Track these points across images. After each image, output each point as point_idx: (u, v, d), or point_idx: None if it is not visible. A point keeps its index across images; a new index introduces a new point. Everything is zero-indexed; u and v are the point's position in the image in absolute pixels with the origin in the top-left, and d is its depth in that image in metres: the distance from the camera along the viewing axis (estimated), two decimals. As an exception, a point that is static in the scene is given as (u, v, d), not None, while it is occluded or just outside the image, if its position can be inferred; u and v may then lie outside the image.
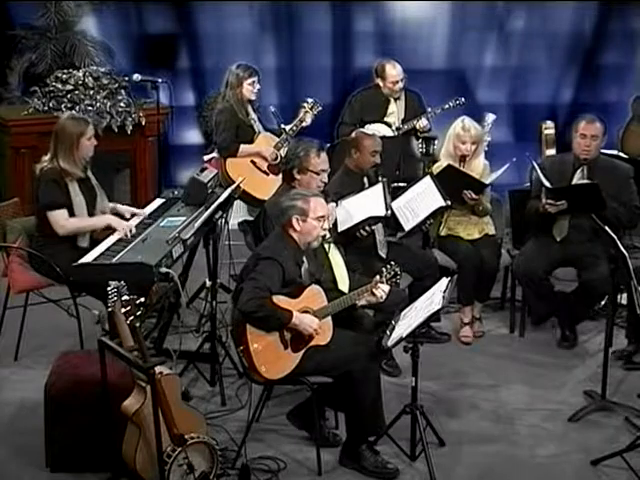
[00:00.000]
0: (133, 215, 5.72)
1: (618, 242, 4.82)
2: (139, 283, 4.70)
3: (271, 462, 4.67)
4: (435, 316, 5.03)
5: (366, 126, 6.95)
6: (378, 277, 4.76)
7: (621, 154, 7.38)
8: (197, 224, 5.30)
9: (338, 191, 5.62)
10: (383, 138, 6.13)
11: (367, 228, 5.54)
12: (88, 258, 5.12)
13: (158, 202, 5.96)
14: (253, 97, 6.76)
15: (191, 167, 7.50)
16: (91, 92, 7.40)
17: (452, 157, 6.04)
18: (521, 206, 6.17)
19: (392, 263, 4.84)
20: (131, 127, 7.47)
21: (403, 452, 4.75)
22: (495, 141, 7.04)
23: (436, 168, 6.09)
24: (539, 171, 5.84)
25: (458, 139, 5.99)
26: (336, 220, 5.44)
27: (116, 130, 7.41)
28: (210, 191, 5.76)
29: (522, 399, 5.39)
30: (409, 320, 4.57)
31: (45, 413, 4.53)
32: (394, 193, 5.94)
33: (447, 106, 7.19)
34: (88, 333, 5.45)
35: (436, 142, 6.92)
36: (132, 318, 4.14)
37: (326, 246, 4.98)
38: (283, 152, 6.49)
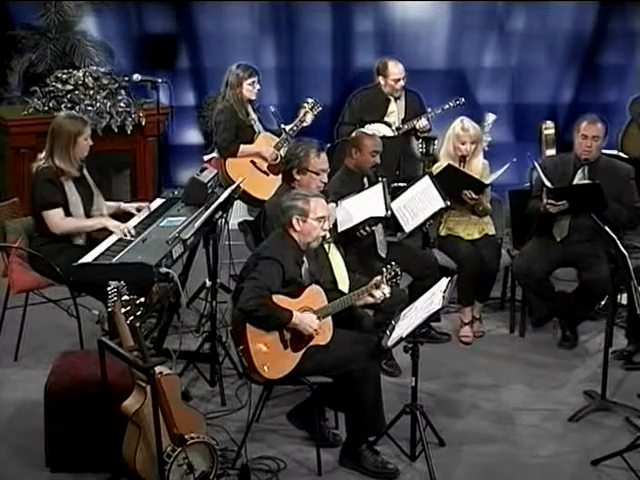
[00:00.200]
0: (139, 210, 5.73)
1: (618, 242, 4.82)
2: (139, 283, 4.71)
3: (271, 462, 4.67)
4: (435, 316, 5.03)
5: (366, 126, 6.95)
6: (378, 277, 4.77)
7: (621, 154, 7.38)
8: (197, 224, 5.30)
9: (338, 191, 5.62)
10: (383, 138, 6.13)
11: (367, 228, 5.54)
12: (88, 258, 5.12)
13: (158, 202, 5.97)
14: (253, 97, 6.76)
15: (191, 167, 7.50)
16: (91, 92, 7.39)
17: (452, 158, 6.03)
18: (521, 206, 6.17)
19: (392, 263, 4.85)
20: (131, 127, 7.46)
21: (403, 452, 4.75)
22: (495, 141, 7.06)
23: (436, 168, 6.09)
24: (540, 171, 5.84)
25: (458, 139, 5.99)
26: (336, 220, 5.43)
27: (116, 130, 7.40)
28: (210, 191, 5.77)
29: (522, 399, 5.39)
30: (409, 320, 4.57)
31: (45, 413, 4.53)
32: (394, 193, 5.94)
33: (447, 106, 7.19)
34: (88, 333, 5.46)
35: (436, 142, 6.92)
36: (132, 318, 4.14)
37: (326, 246, 4.98)
38: (283, 152, 6.49)
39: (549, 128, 8.02)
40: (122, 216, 5.68)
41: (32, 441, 4.68)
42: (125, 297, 4.15)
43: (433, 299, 4.66)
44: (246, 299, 4.43)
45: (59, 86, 7.40)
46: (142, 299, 4.21)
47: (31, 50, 7.89)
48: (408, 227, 5.81)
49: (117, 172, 7.74)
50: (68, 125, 5.41)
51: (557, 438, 4.99)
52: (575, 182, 5.87)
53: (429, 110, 7.24)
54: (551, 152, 7.84)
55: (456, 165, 5.97)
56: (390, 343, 4.51)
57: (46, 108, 7.31)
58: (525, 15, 8.37)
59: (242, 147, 6.67)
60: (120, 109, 7.43)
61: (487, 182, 5.98)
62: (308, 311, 4.59)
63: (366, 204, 5.57)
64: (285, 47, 8.37)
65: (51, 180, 5.37)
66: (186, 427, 4.25)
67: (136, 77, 7.11)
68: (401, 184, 6.35)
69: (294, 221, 4.65)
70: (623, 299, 5.74)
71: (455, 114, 6.42)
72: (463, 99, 7.24)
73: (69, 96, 7.37)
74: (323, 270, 4.89)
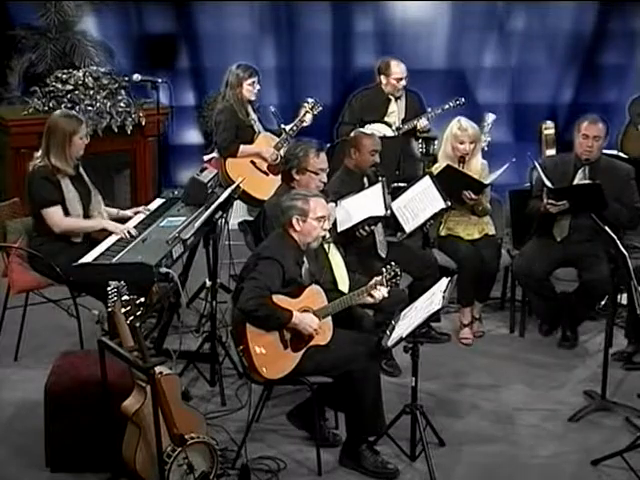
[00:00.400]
0: (137, 213, 5.73)
1: (618, 242, 4.82)
2: (139, 283, 4.71)
3: (271, 462, 4.67)
4: (435, 316, 5.03)
5: (366, 126, 6.95)
6: (378, 278, 4.77)
7: (621, 154, 7.38)
8: (197, 224, 5.30)
9: (338, 191, 5.62)
10: (383, 138, 6.13)
11: (367, 228, 5.54)
12: (88, 258, 5.12)
13: (158, 202, 5.97)
14: (253, 97, 6.76)
15: (191, 167, 7.51)
16: (91, 92, 7.39)
17: (450, 158, 6.03)
18: (521, 206, 6.17)
19: (392, 263, 4.84)
20: (131, 127, 7.46)
21: (403, 452, 4.75)
22: (495, 141, 7.04)
23: (435, 169, 6.09)
24: (541, 171, 5.84)
25: (456, 139, 5.99)
26: (336, 220, 5.43)
27: (116, 130, 7.40)
28: (210, 191, 5.77)
29: (522, 399, 5.39)
30: (409, 320, 4.57)
31: (45, 413, 4.53)
32: (394, 193, 5.94)
33: (447, 106, 7.19)
34: (88, 333, 5.46)
35: (436, 142, 6.93)
36: (132, 318, 4.14)
37: (326, 246, 4.98)
38: (283, 152, 6.49)
39: (549, 128, 8.02)
40: (121, 222, 5.67)
41: (32, 441, 4.68)
42: (125, 297, 4.15)
43: (433, 299, 4.66)
44: (246, 299, 4.43)
45: (59, 86, 7.39)
46: (142, 299, 4.21)
47: (31, 50, 7.89)
48: (408, 227, 5.80)
49: (117, 172, 7.74)
50: (63, 124, 5.40)
51: (557, 438, 4.99)
52: (575, 182, 5.87)
53: (429, 110, 7.25)
54: (551, 152, 7.84)
55: (455, 166, 5.97)
56: (390, 343, 4.51)
57: (46, 108, 7.31)
58: (525, 15, 8.37)
59: (242, 147, 6.67)
60: (120, 109, 7.43)
61: (486, 182, 5.98)
62: (308, 311, 4.59)
63: (366, 204, 5.57)
64: (285, 47, 8.37)
65: (47, 178, 5.36)
66: (186, 427, 4.25)
67: (136, 77, 7.11)
68: (401, 184, 6.35)
69: (294, 221, 4.65)
70: (623, 299, 5.74)
71: (455, 114, 6.41)
72: (463, 99, 7.25)
73: (69, 96, 7.36)
74: (323, 270, 4.89)
